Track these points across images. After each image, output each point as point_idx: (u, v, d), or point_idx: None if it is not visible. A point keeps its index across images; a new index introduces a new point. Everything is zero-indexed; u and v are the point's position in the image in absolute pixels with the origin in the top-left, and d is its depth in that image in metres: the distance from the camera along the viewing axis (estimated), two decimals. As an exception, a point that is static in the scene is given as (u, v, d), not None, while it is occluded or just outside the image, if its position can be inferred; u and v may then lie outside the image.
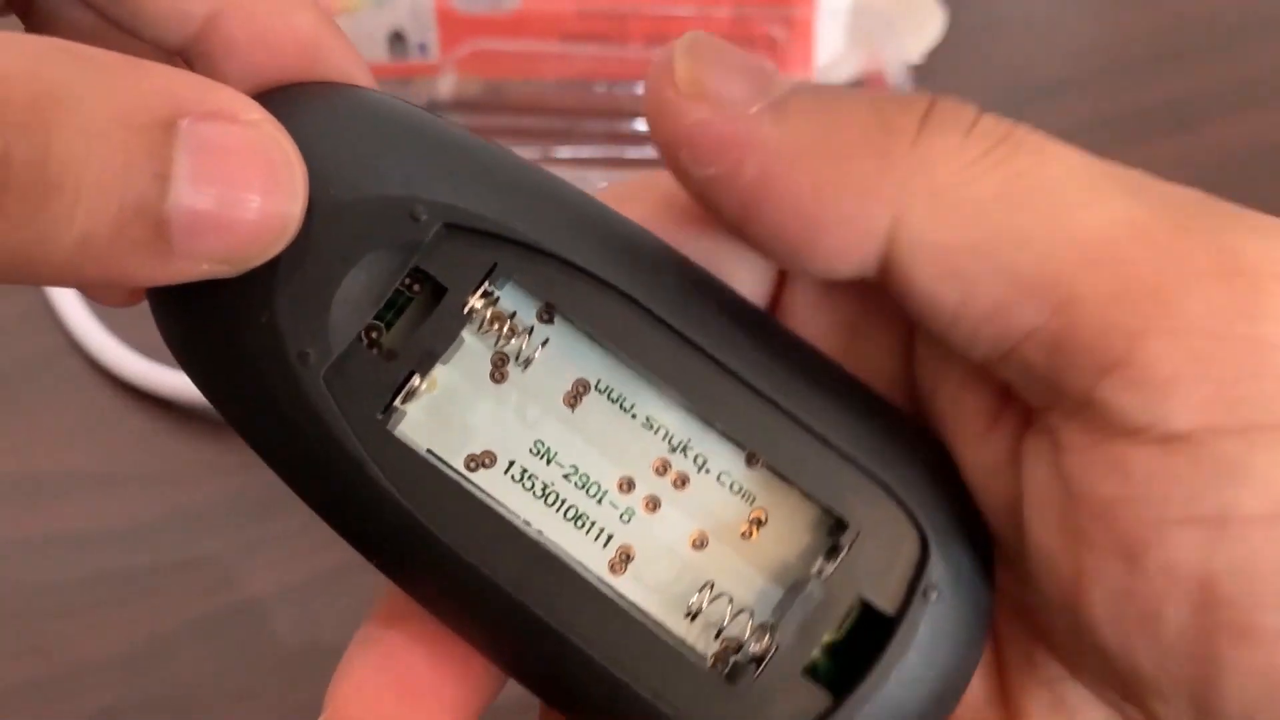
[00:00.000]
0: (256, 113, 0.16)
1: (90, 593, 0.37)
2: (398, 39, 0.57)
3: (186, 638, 0.35)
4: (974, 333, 0.17)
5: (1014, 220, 0.16)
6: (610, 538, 0.19)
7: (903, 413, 0.20)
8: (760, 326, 0.19)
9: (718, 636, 0.19)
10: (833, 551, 0.19)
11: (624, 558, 0.19)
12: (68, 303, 0.46)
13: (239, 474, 0.40)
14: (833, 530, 0.19)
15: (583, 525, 0.19)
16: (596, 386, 0.19)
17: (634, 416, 0.19)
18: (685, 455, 0.19)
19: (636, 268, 0.18)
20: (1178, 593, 0.16)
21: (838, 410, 0.18)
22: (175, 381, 0.42)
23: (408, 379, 0.18)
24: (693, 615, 0.19)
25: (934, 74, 0.60)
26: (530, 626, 0.18)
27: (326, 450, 0.18)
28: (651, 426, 0.19)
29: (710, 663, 0.18)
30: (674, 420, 0.19)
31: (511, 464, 0.19)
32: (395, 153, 0.18)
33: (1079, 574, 0.17)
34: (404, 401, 0.18)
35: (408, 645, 0.19)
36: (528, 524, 0.18)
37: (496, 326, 0.19)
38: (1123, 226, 0.16)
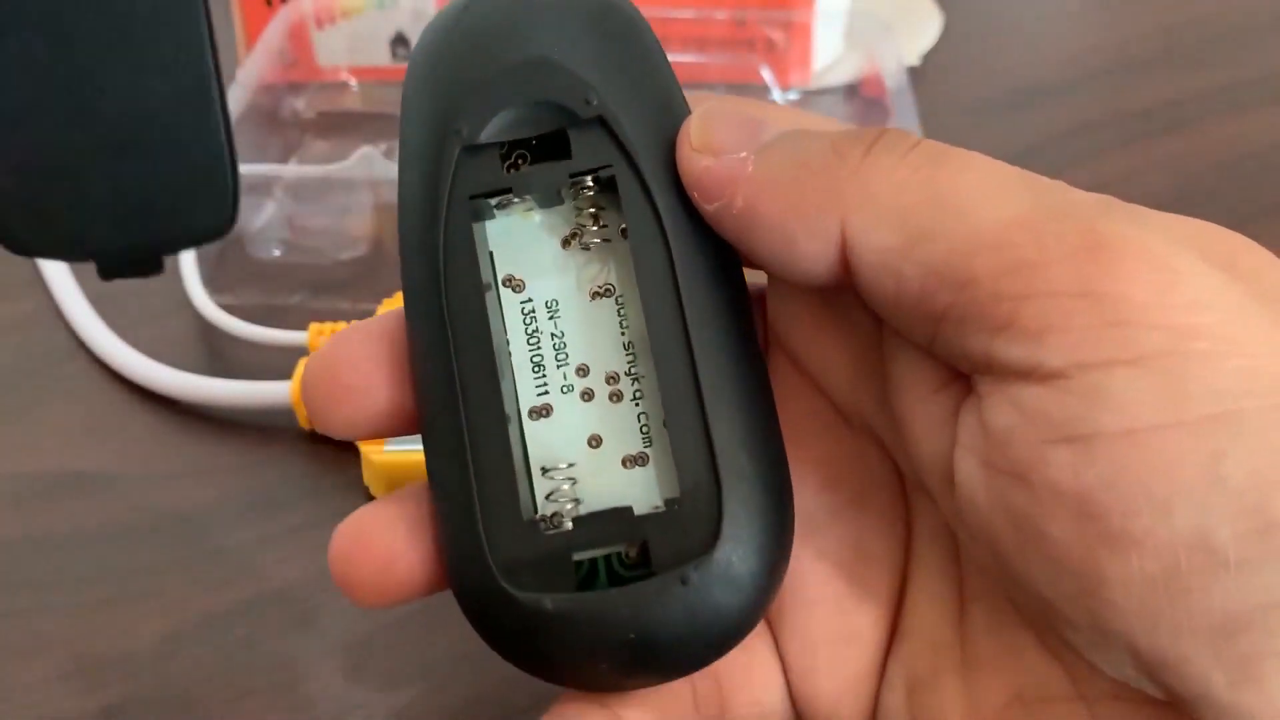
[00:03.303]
0: None
1: (92, 592, 0.37)
2: (400, 41, 0.57)
3: (189, 637, 0.35)
4: (909, 317, 0.21)
5: (930, 221, 0.20)
6: (546, 392, 0.23)
7: (777, 444, 0.23)
8: (739, 338, 0.23)
9: (549, 498, 0.23)
10: (658, 511, 0.22)
11: (544, 411, 0.23)
12: (73, 303, 0.46)
13: (243, 474, 0.40)
14: (670, 503, 0.22)
15: (537, 371, 0.23)
16: (616, 298, 0.24)
17: (623, 334, 0.23)
18: (632, 383, 0.23)
19: (693, 249, 0.23)
20: (1061, 510, 0.19)
21: (736, 421, 0.22)
22: (180, 381, 0.42)
23: (508, 190, 0.23)
24: (547, 473, 0.23)
25: (931, 76, 0.61)
26: (449, 394, 0.22)
27: (430, 192, 0.23)
28: (627, 350, 0.23)
29: (530, 514, 0.22)
30: (643, 359, 0.23)
31: (529, 300, 0.24)
32: (602, 50, 0.23)
33: (990, 504, 0.20)
34: (498, 206, 0.24)
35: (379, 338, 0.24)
36: (507, 340, 0.23)
37: (587, 209, 0.24)
38: (1015, 218, 0.19)
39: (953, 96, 0.60)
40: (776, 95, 0.57)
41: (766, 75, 0.57)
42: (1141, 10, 0.68)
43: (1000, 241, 0.19)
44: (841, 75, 0.59)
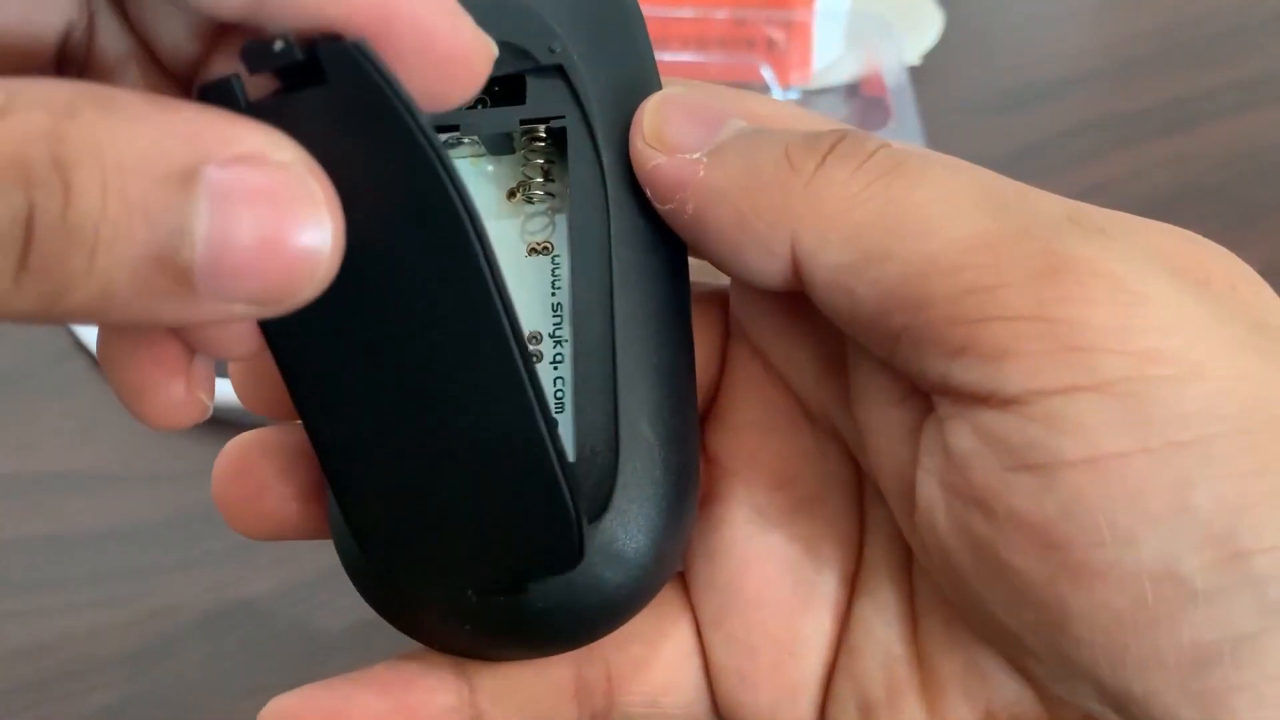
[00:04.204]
0: (287, 152, 0.16)
1: (91, 592, 0.37)
2: None
3: (188, 637, 0.35)
4: (866, 334, 0.20)
5: (883, 241, 0.19)
6: None
7: (686, 422, 0.22)
8: (667, 314, 0.22)
9: None
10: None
11: None
12: (69, 304, 0.46)
13: (240, 474, 0.40)
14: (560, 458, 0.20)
15: None
16: (552, 257, 0.23)
17: (553, 295, 0.23)
18: (554, 346, 0.22)
19: (633, 217, 0.22)
20: (1023, 540, 0.18)
21: (647, 396, 0.21)
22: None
23: (454, 129, 0.22)
24: None
25: (932, 76, 0.60)
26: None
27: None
28: (555, 311, 0.23)
29: None
30: (566, 324, 0.22)
31: None
32: (579, 4, 0.22)
33: (951, 530, 0.19)
34: (449, 145, 0.22)
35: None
36: None
37: (535, 160, 0.23)
38: (971, 239, 0.18)
39: (954, 96, 0.59)
40: (777, 94, 0.57)
41: (767, 74, 0.57)
42: (1142, 10, 0.68)
43: (956, 263, 0.18)
44: (842, 75, 0.59)
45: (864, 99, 0.58)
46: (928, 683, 0.22)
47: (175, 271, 0.15)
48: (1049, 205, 0.20)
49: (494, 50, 0.18)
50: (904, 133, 0.51)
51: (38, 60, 0.18)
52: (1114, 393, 0.17)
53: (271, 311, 0.16)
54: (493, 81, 0.21)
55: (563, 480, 0.19)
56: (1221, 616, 0.17)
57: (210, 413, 0.20)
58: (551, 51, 0.22)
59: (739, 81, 0.57)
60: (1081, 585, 0.17)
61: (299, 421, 0.22)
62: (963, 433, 0.19)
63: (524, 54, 0.22)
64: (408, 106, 0.17)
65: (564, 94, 0.22)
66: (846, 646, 0.23)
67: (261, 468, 0.23)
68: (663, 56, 0.56)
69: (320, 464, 0.20)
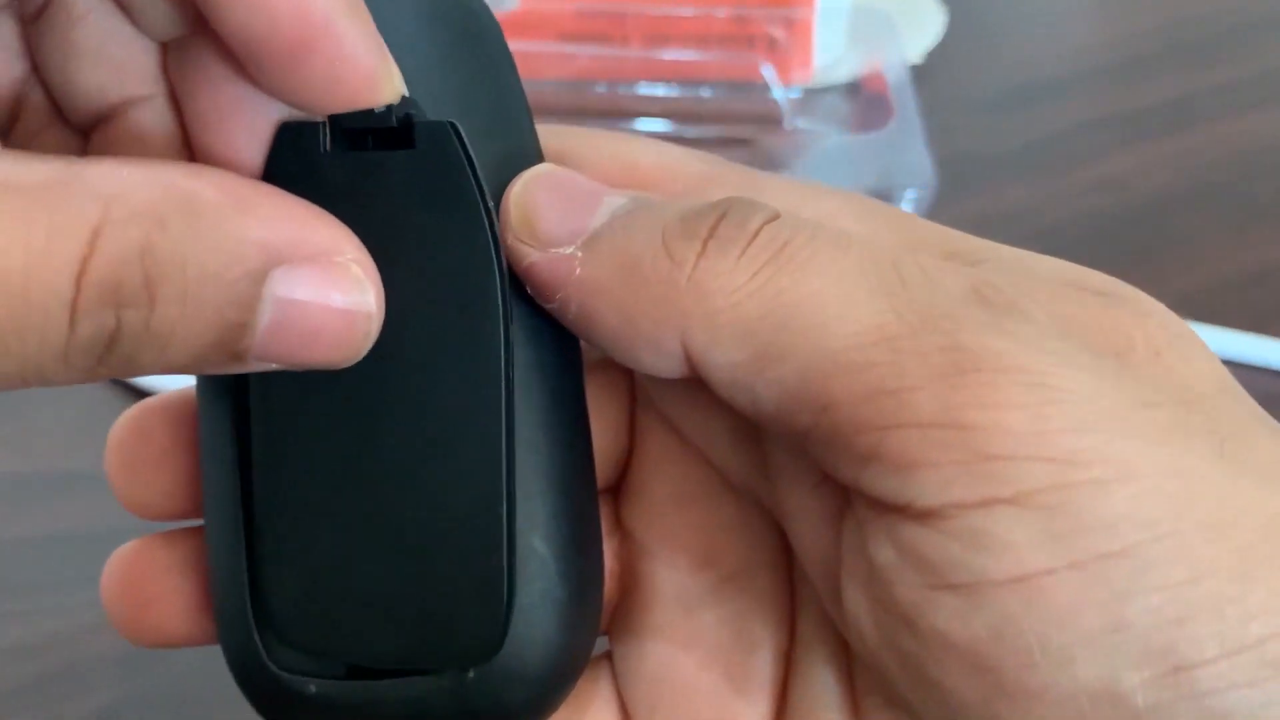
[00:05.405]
0: (350, 251, 0.17)
1: (89, 593, 0.36)
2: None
3: (187, 638, 0.35)
4: (772, 428, 0.19)
5: (777, 338, 0.18)
6: None
7: (587, 524, 0.21)
8: (560, 399, 0.20)
9: None
10: None
11: None
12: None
13: (239, 474, 0.40)
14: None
15: None
16: None
17: None
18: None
19: (535, 326, 0.20)
20: (952, 661, 0.17)
21: (540, 503, 0.20)
22: (176, 382, 0.42)
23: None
24: None
25: (934, 74, 0.60)
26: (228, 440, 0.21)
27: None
28: None
29: None
30: None
31: None
32: (443, 55, 0.20)
33: (880, 643, 0.18)
34: None
35: None
36: None
37: None
38: (871, 334, 0.17)
39: (955, 94, 0.59)
40: (778, 93, 0.57)
41: (767, 73, 0.57)
42: (1145, 7, 0.68)
43: (856, 362, 0.17)
44: (843, 73, 0.59)
45: (865, 97, 0.58)
46: None
47: (233, 354, 0.17)
48: (952, 280, 0.18)
49: (397, 87, 0.18)
50: (906, 131, 0.51)
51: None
52: (1035, 504, 0.16)
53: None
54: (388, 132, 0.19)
55: (505, 567, 0.19)
56: None
57: None
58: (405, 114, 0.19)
59: (739, 80, 0.57)
60: (1018, 706, 0.17)
61: (183, 525, 0.22)
62: (882, 544, 0.18)
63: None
64: (480, 186, 0.19)
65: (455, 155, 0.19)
66: None
67: (149, 580, 0.22)
68: (663, 55, 0.56)
69: (224, 529, 0.20)
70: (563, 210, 0.20)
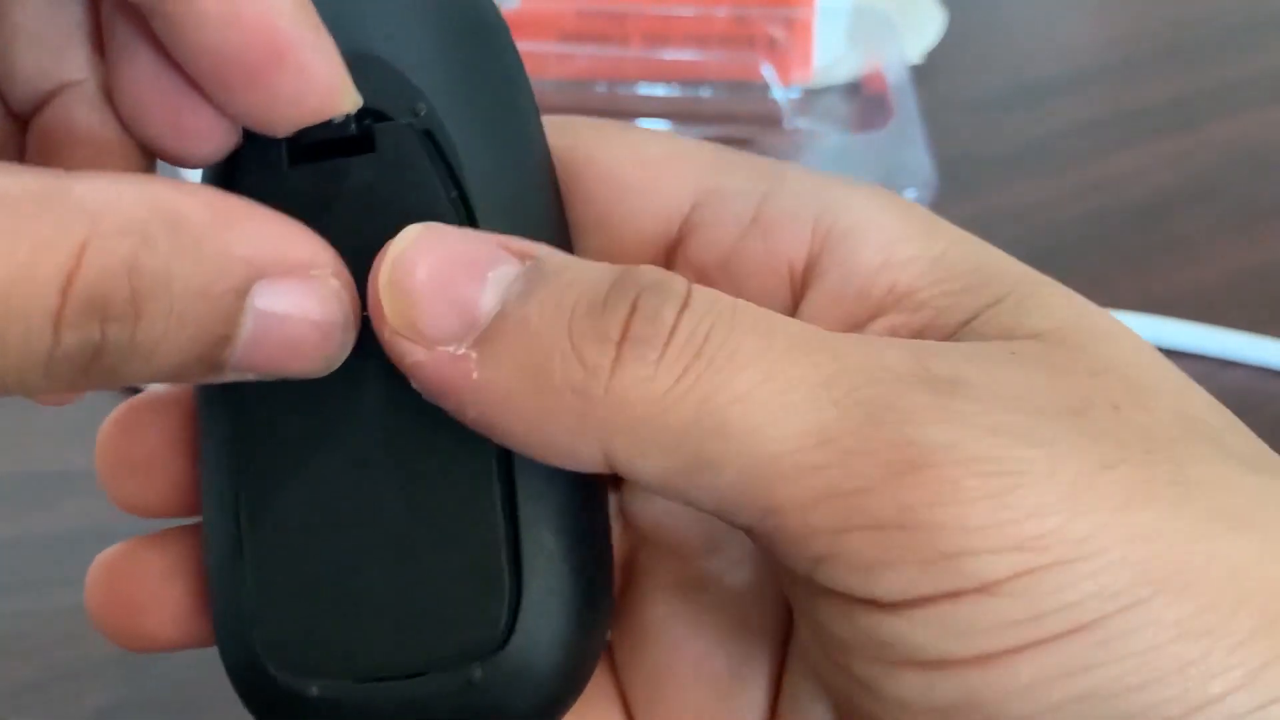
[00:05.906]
0: (328, 264, 0.18)
1: (90, 593, 0.37)
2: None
3: (186, 638, 0.35)
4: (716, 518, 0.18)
5: (707, 448, 0.17)
6: None
7: (596, 519, 0.20)
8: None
9: None
10: None
11: None
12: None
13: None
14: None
15: None
16: None
17: None
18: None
19: None
20: None
21: (546, 495, 0.19)
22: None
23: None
24: None
25: (934, 74, 0.60)
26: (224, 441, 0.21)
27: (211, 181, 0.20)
28: None
29: None
30: None
31: None
32: (443, 50, 0.20)
33: (845, 701, 0.18)
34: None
35: None
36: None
37: None
38: (811, 436, 0.17)
39: (955, 94, 0.59)
40: (778, 93, 0.57)
41: (767, 73, 0.57)
42: (1145, 7, 0.68)
43: (800, 466, 0.16)
44: (843, 73, 0.59)
45: (865, 97, 0.58)
46: None
47: (213, 365, 0.17)
48: (892, 357, 0.17)
49: (355, 97, 0.19)
50: (906, 131, 0.51)
51: None
52: (1000, 593, 0.16)
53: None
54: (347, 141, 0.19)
55: (505, 558, 0.19)
56: None
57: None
58: (416, 114, 0.19)
59: (739, 80, 0.57)
60: None
61: (173, 525, 0.22)
62: (839, 624, 0.17)
63: (381, 116, 0.19)
64: (456, 182, 0.19)
65: (432, 163, 0.19)
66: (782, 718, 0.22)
67: (136, 586, 0.22)
68: (663, 55, 0.56)
69: (224, 528, 0.20)
70: (446, 295, 0.17)
